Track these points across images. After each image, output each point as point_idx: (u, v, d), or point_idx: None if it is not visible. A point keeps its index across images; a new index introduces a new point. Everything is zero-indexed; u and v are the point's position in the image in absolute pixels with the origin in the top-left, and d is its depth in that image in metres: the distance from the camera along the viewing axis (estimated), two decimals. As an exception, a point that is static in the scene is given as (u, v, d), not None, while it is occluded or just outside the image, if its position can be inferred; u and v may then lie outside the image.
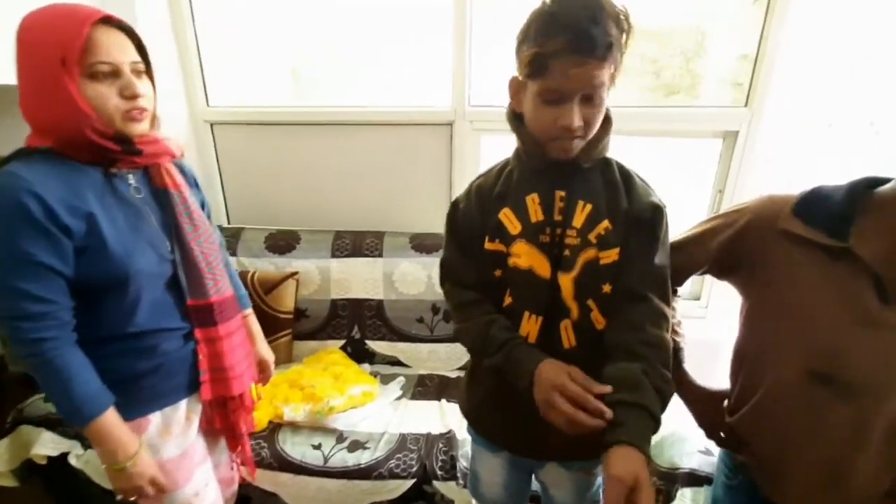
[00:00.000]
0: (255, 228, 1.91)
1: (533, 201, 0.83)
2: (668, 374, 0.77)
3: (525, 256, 0.83)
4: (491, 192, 0.89)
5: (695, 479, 1.14)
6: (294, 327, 1.77)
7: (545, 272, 0.82)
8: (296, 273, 1.77)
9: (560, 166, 0.81)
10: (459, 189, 1.86)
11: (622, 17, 0.73)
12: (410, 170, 1.94)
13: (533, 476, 1.06)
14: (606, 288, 0.81)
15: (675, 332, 0.91)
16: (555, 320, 0.83)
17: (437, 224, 1.94)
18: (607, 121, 0.82)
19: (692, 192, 1.89)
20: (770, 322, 0.77)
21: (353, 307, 1.79)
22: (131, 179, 0.90)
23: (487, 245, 0.87)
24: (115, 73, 0.81)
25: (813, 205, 0.72)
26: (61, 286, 0.81)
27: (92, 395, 0.84)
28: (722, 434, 0.90)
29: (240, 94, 2.01)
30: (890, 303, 0.65)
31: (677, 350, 0.92)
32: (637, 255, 0.81)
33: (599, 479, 0.99)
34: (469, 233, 0.90)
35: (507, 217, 0.85)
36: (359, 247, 1.82)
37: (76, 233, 0.80)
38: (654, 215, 0.82)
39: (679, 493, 1.14)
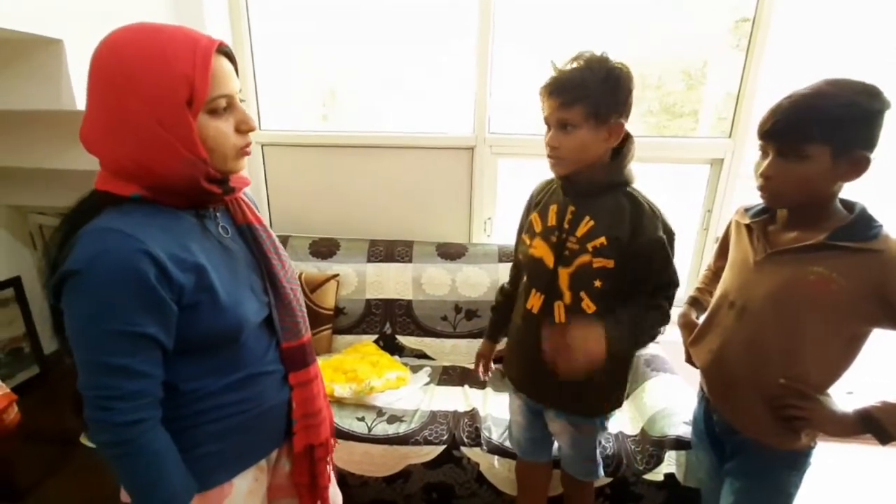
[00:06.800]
0: (300, 236, 2.16)
1: (553, 210, 1.09)
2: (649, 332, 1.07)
3: (539, 249, 1.10)
4: (534, 199, 1.19)
5: (679, 443, 1.37)
6: (334, 323, 2.01)
7: (550, 263, 1.08)
8: (337, 275, 2.01)
9: (577, 189, 1.05)
10: (479, 204, 2.16)
11: (611, 75, 0.94)
12: (436, 187, 2.18)
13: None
14: (598, 283, 1.03)
15: (709, 292, 1.18)
16: (552, 300, 1.09)
17: (459, 234, 2.21)
18: (612, 154, 1.02)
19: (688, 209, 2.15)
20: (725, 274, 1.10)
21: (386, 306, 2.02)
22: (219, 219, 0.81)
23: (523, 236, 1.16)
24: (229, 106, 0.72)
25: (754, 207, 1.05)
26: (159, 358, 0.70)
27: (185, 483, 0.74)
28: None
29: (284, 119, 2.29)
30: (759, 257, 0.98)
31: (701, 301, 1.20)
32: (635, 281, 1.03)
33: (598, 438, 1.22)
34: (521, 223, 1.23)
35: (535, 219, 1.13)
36: (391, 253, 2.06)
37: (187, 289, 0.70)
38: (653, 249, 1.00)
39: (667, 455, 1.37)
